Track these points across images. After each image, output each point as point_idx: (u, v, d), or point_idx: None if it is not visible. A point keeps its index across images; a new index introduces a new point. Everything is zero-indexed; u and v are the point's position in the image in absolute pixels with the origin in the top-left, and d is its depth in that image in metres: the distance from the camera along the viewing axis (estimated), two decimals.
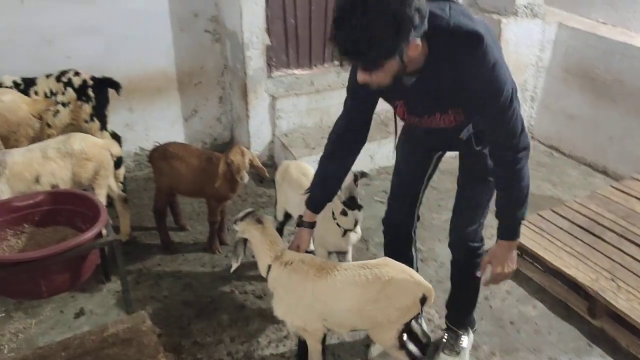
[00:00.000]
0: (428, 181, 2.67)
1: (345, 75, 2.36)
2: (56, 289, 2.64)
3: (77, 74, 3.74)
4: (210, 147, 4.89)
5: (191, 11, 4.35)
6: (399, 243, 2.81)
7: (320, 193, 2.42)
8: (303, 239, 2.46)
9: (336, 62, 4.79)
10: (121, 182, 4.08)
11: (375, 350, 2.85)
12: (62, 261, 2.53)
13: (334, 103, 4.71)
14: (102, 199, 3.35)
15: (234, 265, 2.45)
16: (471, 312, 2.85)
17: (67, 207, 2.97)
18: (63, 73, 3.73)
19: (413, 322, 2.36)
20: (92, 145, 3.21)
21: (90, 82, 3.75)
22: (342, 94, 4.53)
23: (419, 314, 2.31)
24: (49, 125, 3.65)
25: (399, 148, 2.65)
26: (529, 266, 3.44)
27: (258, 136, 4.58)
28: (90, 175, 3.23)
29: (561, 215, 3.66)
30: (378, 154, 4.56)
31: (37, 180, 3.06)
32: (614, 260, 3.20)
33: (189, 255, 3.60)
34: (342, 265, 2.31)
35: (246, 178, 3.26)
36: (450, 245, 2.67)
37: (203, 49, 4.52)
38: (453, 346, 2.80)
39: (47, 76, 3.73)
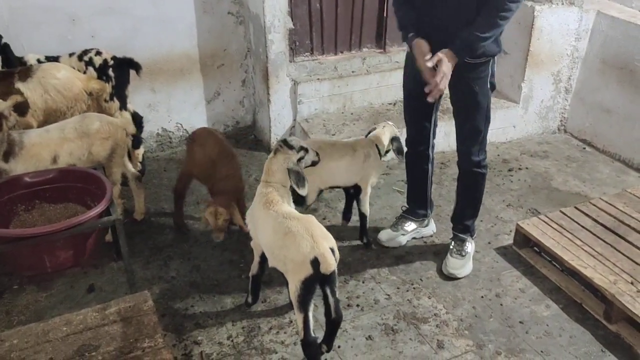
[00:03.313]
0: (439, 103, 3.16)
1: (369, 60, 2.51)
2: (60, 265, 2.69)
3: (98, 53, 3.78)
4: (232, 131, 4.90)
5: None
6: (416, 158, 3.37)
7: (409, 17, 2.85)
8: (423, 44, 2.77)
9: (364, 49, 4.75)
10: (140, 162, 4.14)
11: (383, 234, 3.50)
12: (65, 238, 2.56)
13: (357, 89, 4.63)
14: (117, 177, 3.40)
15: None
16: (474, 220, 3.37)
17: (77, 184, 3.01)
18: (85, 52, 3.77)
19: (329, 295, 2.43)
20: (109, 124, 3.25)
21: (111, 62, 3.78)
22: (366, 81, 4.60)
23: (328, 284, 2.39)
24: (106, 100, 3.72)
25: (407, 68, 3.13)
26: (545, 264, 3.32)
27: (279, 121, 4.54)
28: (107, 154, 3.26)
29: (585, 213, 3.50)
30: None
31: (55, 160, 3.10)
32: (636, 263, 3.04)
33: (201, 237, 3.61)
34: (280, 209, 2.55)
35: (220, 238, 3.22)
36: (458, 163, 3.22)
37: (226, 32, 4.50)
38: (460, 251, 3.30)
39: (70, 55, 3.78)
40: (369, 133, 3.55)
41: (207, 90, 4.64)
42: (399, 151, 3.41)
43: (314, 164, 2.80)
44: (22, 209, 2.95)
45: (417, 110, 3.19)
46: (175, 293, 3.15)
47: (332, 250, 2.35)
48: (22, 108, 3.38)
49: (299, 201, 3.18)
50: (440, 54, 2.70)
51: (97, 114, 3.37)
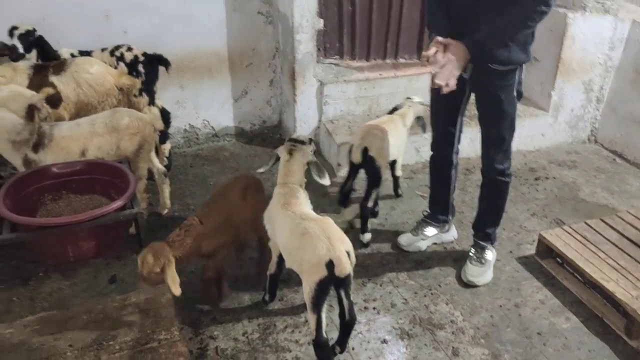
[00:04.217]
0: (464, 108, 3.15)
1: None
2: (82, 255, 2.76)
3: (129, 49, 3.85)
4: (259, 130, 4.94)
5: None
6: (439, 162, 3.38)
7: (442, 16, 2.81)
8: (460, 47, 2.66)
9: (401, 60, 4.73)
10: (167, 157, 4.21)
11: (403, 238, 3.50)
12: (87, 229, 2.62)
13: (384, 92, 4.62)
14: (143, 172, 3.46)
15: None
16: (495, 228, 3.33)
17: (103, 177, 3.09)
18: (117, 48, 3.85)
19: (344, 298, 2.45)
20: (138, 120, 3.31)
21: (142, 58, 3.85)
22: (393, 84, 4.58)
23: (343, 286, 2.41)
24: (135, 96, 3.78)
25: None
26: (567, 276, 3.26)
27: (304, 121, 4.56)
28: (135, 149, 3.32)
29: (610, 226, 3.43)
30: (424, 147, 4.42)
31: (83, 154, 3.18)
32: None
33: None
34: (298, 210, 2.57)
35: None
36: (482, 170, 3.19)
37: (255, 31, 4.54)
38: (480, 258, 3.27)
39: (102, 50, 3.86)
40: (393, 110, 3.78)
41: (235, 89, 4.69)
42: (423, 129, 3.75)
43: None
44: (49, 199, 3.04)
45: (443, 115, 3.18)
46: (193, 287, 3.17)
47: (348, 253, 2.36)
48: (54, 101, 3.47)
49: (377, 183, 3.48)
50: (443, 40, 2.64)
51: (127, 109, 3.43)
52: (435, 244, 3.58)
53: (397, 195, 4.09)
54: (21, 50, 3.60)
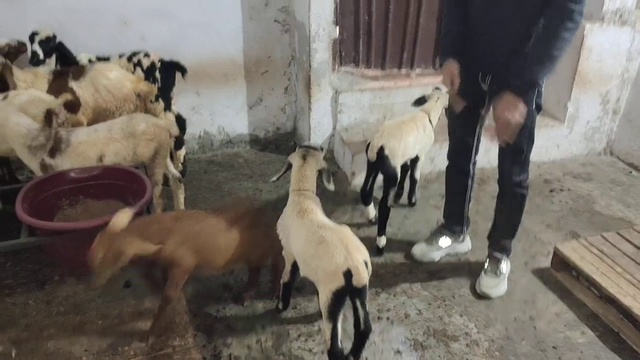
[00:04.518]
0: (483, 119, 3.08)
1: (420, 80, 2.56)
2: None
3: (146, 55, 3.88)
4: (273, 137, 4.96)
5: (263, 0, 4.39)
6: (456, 172, 3.38)
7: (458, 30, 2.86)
8: (454, 66, 2.81)
9: (416, 69, 4.74)
10: (182, 163, 4.23)
11: (417, 249, 3.49)
12: None
13: (399, 101, 4.62)
14: (158, 178, 3.48)
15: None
16: (511, 240, 3.29)
17: (119, 182, 3.11)
18: (134, 54, 3.89)
19: (359, 307, 2.43)
20: (154, 126, 3.32)
21: (158, 64, 3.88)
22: (408, 93, 4.57)
23: (359, 296, 2.39)
24: (152, 101, 3.81)
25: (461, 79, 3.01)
26: (583, 289, 3.23)
27: (319, 129, 4.57)
28: (151, 155, 3.34)
29: (627, 239, 3.40)
30: (439, 156, 4.41)
31: (100, 159, 3.20)
32: None
33: None
34: (314, 218, 2.57)
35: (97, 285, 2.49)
36: (498, 182, 3.17)
37: (272, 39, 4.56)
38: (494, 270, 3.25)
39: (120, 56, 3.90)
40: (420, 100, 3.80)
41: (250, 96, 4.71)
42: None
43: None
44: (67, 204, 3.06)
45: (462, 126, 3.18)
46: (208, 294, 3.19)
47: (366, 263, 2.35)
48: (73, 106, 3.51)
49: (393, 182, 3.47)
50: (497, 105, 2.68)
51: (143, 115, 3.45)
52: (449, 254, 3.56)
53: (411, 203, 4.09)
54: (41, 55, 3.65)
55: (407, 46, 4.63)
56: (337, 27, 4.31)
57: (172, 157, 4.17)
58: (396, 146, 3.43)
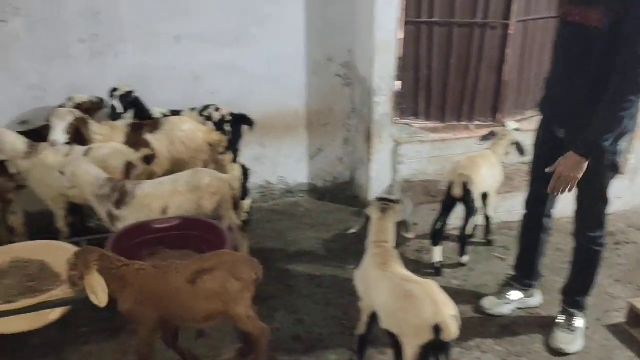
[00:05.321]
0: None
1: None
2: None
3: (217, 109, 4.04)
4: (331, 186, 5.04)
5: (326, 56, 4.56)
6: (531, 224, 3.35)
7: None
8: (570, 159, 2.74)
9: (476, 123, 4.81)
10: (246, 212, 4.32)
11: (487, 302, 3.46)
12: None
13: (458, 152, 4.64)
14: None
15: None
16: (585, 296, 3.24)
17: (196, 233, 3.18)
18: (205, 108, 4.05)
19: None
20: (218, 180, 3.34)
21: (228, 118, 4.04)
22: (467, 144, 4.61)
23: (444, 351, 2.36)
24: (221, 153, 3.95)
25: (540, 130, 3.16)
26: None
27: (378, 179, 4.63)
28: (214, 208, 3.35)
29: None
30: (500, 208, 4.41)
31: (164, 212, 3.24)
32: None
33: (305, 290, 3.69)
34: (396, 271, 2.59)
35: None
36: (573, 235, 3.13)
37: (333, 92, 4.70)
38: (569, 325, 3.19)
39: (192, 110, 4.07)
40: (488, 136, 3.96)
41: (311, 147, 4.83)
42: (520, 152, 3.88)
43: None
44: (147, 254, 3.13)
45: (542, 176, 3.10)
46: (279, 345, 3.20)
47: (454, 317, 2.35)
48: (148, 158, 3.65)
49: (473, 212, 3.77)
50: (561, 159, 2.74)
51: (207, 169, 3.48)
52: (519, 308, 3.51)
53: (488, 242, 4.18)
54: (120, 109, 3.84)
55: (467, 99, 4.70)
56: (398, 81, 4.43)
57: (237, 207, 4.28)
58: (476, 180, 3.67)
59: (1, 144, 3.39)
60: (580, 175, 2.70)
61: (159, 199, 3.23)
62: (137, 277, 2.47)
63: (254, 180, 4.64)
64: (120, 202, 3.19)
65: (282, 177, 4.84)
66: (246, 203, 4.30)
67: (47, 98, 3.93)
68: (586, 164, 2.67)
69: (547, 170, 2.78)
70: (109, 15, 3.94)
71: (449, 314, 2.33)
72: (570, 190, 2.77)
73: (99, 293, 2.38)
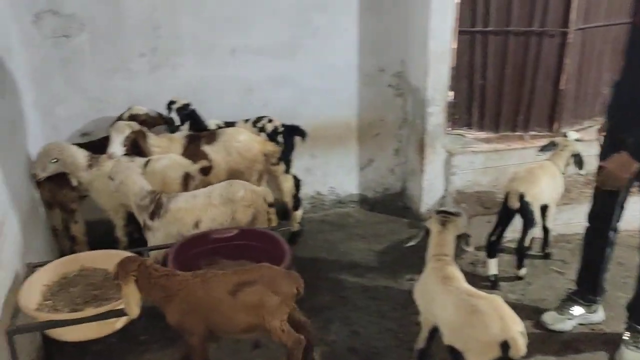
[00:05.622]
0: (634, 182, 2.99)
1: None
2: None
3: (270, 120, 4.09)
4: (381, 197, 5.01)
5: (378, 67, 4.55)
6: (595, 237, 3.25)
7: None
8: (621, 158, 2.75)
9: (531, 133, 4.72)
10: (298, 223, 4.35)
11: (548, 317, 3.37)
12: None
13: (512, 163, 4.56)
14: None
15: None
16: None
17: (254, 243, 3.20)
18: (259, 119, 4.11)
19: None
20: (252, 192, 3.35)
21: (281, 129, 4.08)
22: (521, 155, 4.52)
23: None
24: (273, 164, 4.01)
25: (605, 141, 3.11)
26: None
27: (430, 190, 4.59)
28: (248, 221, 3.34)
29: None
30: (557, 220, 4.30)
31: (196, 225, 3.27)
32: None
33: (358, 301, 3.67)
34: (460, 285, 2.56)
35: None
36: None
37: (385, 103, 4.69)
38: (636, 343, 3.08)
39: (245, 121, 4.13)
40: (547, 147, 3.89)
41: (362, 158, 4.83)
42: (579, 166, 3.81)
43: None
44: (205, 264, 3.17)
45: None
46: (335, 357, 3.19)
47: (522, 334, 2.30)
48: (205, 169, 3.71)
49: (532, 224, 3.69)
50: (614, 155, 2.76)
51: (241, 181, 3.46)
52: (581, 324, 3.40)
53: (545, 255, 4.09)
54: (177, 122, 3.91)
55: (522, 109, 4.62)
56: (451, 91, 4.39)
57: (288, 217, 4.32)
58: (535, 191, 3.61)
59: (64, 158, 3.50)
60: (627, 176, 2.71)
61: (192, 212, 3.26)
62: (180, 287, 2.50)
63: (304, 191, 4.65)
64: (154, 214, 3.26)
65: (333, 188, 4.85)
66: (298, 214, 4.34)
67: (108, 110, 4.05)
68: (636, 166, 2.67)
69: (599, 164, 2.81)
70: (168, 29, 4.04)
71: (517, 330, 2.28)
72: (618, 189, 2.80)
73: (131, 304, 2.46)
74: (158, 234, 3.29)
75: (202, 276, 2.56)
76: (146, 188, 3.29)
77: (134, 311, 2.47)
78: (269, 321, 2.49)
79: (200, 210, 3.26)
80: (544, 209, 3.81)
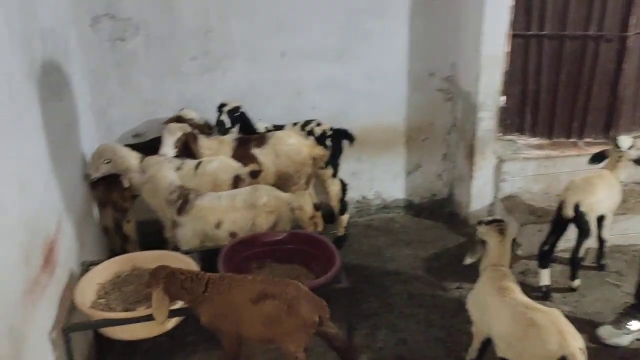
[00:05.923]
0: None
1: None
2: None
3: (318, 124, 4.09)
4: (428, 203, 4.95)
5: (427, 71, 4.50)
6: None
7: None
8: None
9: (586, 140, 4.58)
10: (344, 227, 4.33)
11: (604, 331, 3.25)
12: None
13: (565, 170, 4.44)
14: None
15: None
16: None
17: (304, 247, 3.20)
18: (307, 123, 4.11)
19: None
20: (276, 199, 3.34)
21: (329, 132, 4.06)
22: (575, 162, 4.39)
23: None
24: (321, 167, 4.00)
25: None
26: None
27: (479, 196, 4.51)
28: (269, 227, 3.32)
29: None
30: (613, 229, 4.15)
31: (217, 226, 3.27)
32: None
33: (405, 309, 3.63)
34: (518, 297, 2.52)
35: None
36: None
37: (433, 107, 4.63)
38: None
39: (294, 124, 4.13)
40: (597, 157, 3.78)
41: (409, 162, 4.77)
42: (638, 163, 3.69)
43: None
44: (255, 267, 3.19)
45: None
46: None
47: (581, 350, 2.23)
48: (255, 172, 3.73)
49: (587, 234, 3.59)
50: None
51: (266, 187, 3.43)
52: (638, 339, 3.28)
53: (600, 266, 3.97)
54: (228, 124, 3.95)
55: (577, 115, 4.49)
56: (503, 96, 4.30)
57: (333, 221, 4.31)
58: (592, 201, 3.53)
59: (116, 160, 3.56)
60: None
61: (214, 212, 3.28)
62: (207, 289, 2.51)
63: (350, 195, 4.63)
64: (181, 210, 3.30)
65: (379, 193, 4.81)
66: (344, 218, 4.32)
67: (159, 112, 4.12)
68: None
69: None
70: (220, 32, 4.09)
71: (577, 347, 2.21)
72: None
73: (157, 311, 2.49)
74: (185, 229, 3.33)
75: (229, 278, 2.57)
76: (175, 183, 3.35)
77: (161, 319, 2.51)
78: (284, 342, 2.44)
79: (223, 211, 3.28)
80: (600, 219, 3.69)
